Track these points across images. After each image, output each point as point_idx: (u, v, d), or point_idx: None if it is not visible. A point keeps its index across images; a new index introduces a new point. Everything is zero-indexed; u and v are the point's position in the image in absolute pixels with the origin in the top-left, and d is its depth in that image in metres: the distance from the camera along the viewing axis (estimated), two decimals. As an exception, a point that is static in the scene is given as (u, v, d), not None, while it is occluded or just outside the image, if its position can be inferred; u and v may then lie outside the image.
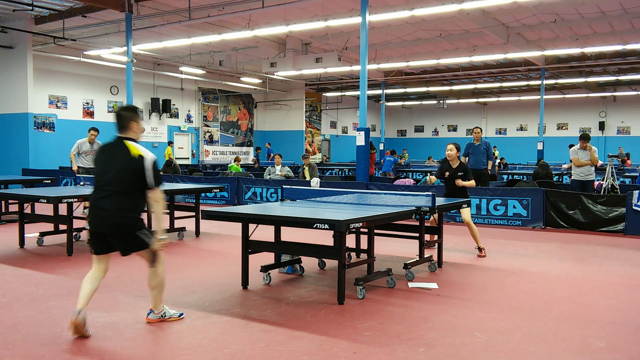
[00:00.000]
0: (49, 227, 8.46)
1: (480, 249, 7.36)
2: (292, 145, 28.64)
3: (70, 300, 5.02)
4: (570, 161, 10.64)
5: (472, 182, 7.53)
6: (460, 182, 7.46)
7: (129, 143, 4.18)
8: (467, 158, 11.45)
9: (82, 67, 20.18)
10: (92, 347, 3.86)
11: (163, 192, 4.26)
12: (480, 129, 11.55)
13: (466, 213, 7.25)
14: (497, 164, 19.07)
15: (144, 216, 4.42)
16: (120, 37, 16.50)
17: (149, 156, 4.16)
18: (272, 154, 24.97)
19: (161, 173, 4.25)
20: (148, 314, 4.44)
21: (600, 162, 10.39)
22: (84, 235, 8.37)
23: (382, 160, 19.22)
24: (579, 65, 22.09)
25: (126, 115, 4.26)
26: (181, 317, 4.51)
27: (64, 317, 4.51)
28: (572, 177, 10.56)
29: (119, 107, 4.38)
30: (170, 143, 22.90)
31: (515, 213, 10.21)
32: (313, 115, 30.57)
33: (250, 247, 5.58)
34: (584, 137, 10.30)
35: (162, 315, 4.42)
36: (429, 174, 8.38)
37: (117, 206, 4.08)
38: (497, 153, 25.77)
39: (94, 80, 21.12)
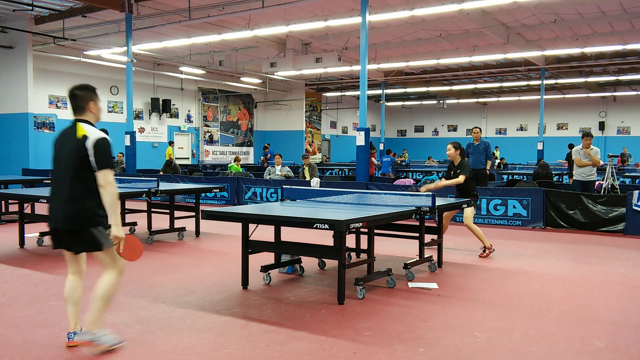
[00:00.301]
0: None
1: (484, 249, 7.29)
2: (292, 145, 28.65)
3: (70, 300, 5.02)
4: (566, 159, 10.63)
5: (454, 180, 7.30)
6: (439, 183, 7.52)
7: (79, 124, 3.70)
8: (466, 158, 11.43)
9: (82, 67, 20.18)
10: (92, 347, 3.86)
11: (112, 176, 3.67)
12: (480, 129, 11.54)
13: (467, 213, 7.21)
14: (496, 164, 19.09)
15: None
16: (120, 37, 16.50)
17: (93, 135, 3.64)
18: (269, 154, 25.00)
19: (113, 157, 3.80)
20: (72, 335, 3.76)
21: (601, 162, 10.39)
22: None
23: (379, 162, 19.20)
24: (579, 65, 22.09)
25: (82, 95, 3.77)
26: (120, 344, 3.81)
27: (64, 317, 4.51)
28: (574, 177, 10.55)
29: (72, 86, 3.84)
30: (170, 143, 22.80)
31: (515, 213, 10.21)
32: (313, 115, 30.57)
33: (250, 247, 5.58)
34: (587, 135, 10.32)
35: (94, 339, 3.68)
36: (425, 184, 8.27)
37: (68, 197, 3.63)
38: (497, 153, 25.79)
39: (94, 80, 21.09)
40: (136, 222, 9.08)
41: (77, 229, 3.66)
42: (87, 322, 3.70)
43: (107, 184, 3.61)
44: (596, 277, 6.20)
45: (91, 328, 3.69)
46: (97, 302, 3.70)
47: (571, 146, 11.53)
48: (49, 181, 3.90)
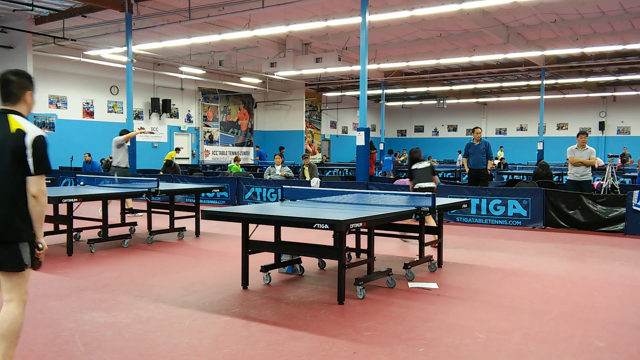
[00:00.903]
0: (49, 227, 8.45)
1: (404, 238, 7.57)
2: (292, 145, 28.65)
3: (70, 300, 5.02)
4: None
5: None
6: None
7: (11, 116, 3.04)
8: (467, 158, 11.44)
9: (82, 67, 20.19)
10: (92, 347, 3.86)
11: (44, 184, 3.09)
12: (481, 129, 11.53)
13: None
14: (496, 164, 19.10)
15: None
16: (120, 37, 16.50)
17: (32, 131, 3.02)
18: (258, 156, 25.04)
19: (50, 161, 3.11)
20: None
21: (601, 162, 10.42)
22: (84, 235, 8.38)
23: (381, 161, 19.22)
24: (579, 65, 22.09)
25: (18, 82, 3.11)
26: None
27: (64, 317, 4.52)
28: (568, 178, 10.56)
29: (6, 70, 3.14)
30: (177, 150, 20.99)
31: (515, 213, 10.21)
32: (313, 115, 30.56)
33: (250, 247, 5.58)
34: (582, 133, 10.37)
35: None
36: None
37: (9, 206, 3.00)
38: (502, 154, 25.76)
39: (94, 80, 21.13)
40: (136, 222, 9.08)
41: (8, 240, 3.01)
42: None
43: (41, 192, 3.02)
44: (596, 277, 6.20)
45: None
46: (4, 342, 2.94)
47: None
48: None
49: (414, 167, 8.48)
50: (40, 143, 3.03)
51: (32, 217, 3.07)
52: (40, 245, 3.18)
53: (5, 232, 3.00)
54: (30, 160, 2.99)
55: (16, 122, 3.03)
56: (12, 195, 3.01)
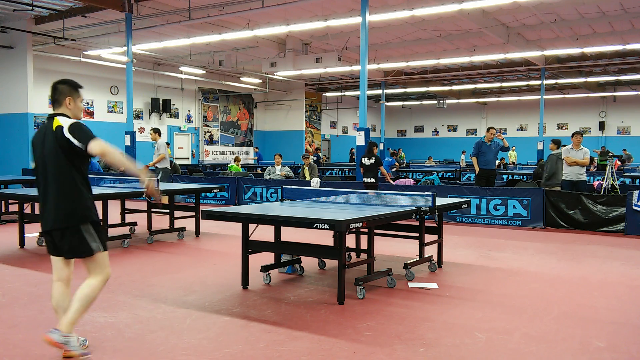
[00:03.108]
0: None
1: None
2: (292, 145, 28.65)
3: (70, 300, 5.02)
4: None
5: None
6: None
7: (56, 118, 3.57)
8: (477, 158, 11.24)
9: (82, 67, 20.18)
10: (92, 347, 3.86)
11: (103, 142, 3.46)
12: (495, 129, 11.39)
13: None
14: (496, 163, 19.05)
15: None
16: (120, 37, 16.50)
17: (67, 122, 3.52)
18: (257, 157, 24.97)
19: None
20: (51, 332, 3.51)
21: (594, 162, 10.46)
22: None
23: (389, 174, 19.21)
24: (579, 65, 22.09)
25: (60, 89, 3.68)
26: (87, 356, 3.59)
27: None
28: (563, 178, 10.55)
29: (55, 81, 3.75)
30: (166, 144, 22.15)
31: (515, 213, 10.21)
32: (313, 115, 30.56)
33: (250, 247, 5.58)
34: (577, 133, 10.42)
35: (65, 342, 3.49)
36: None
37: (57, 194, 3.50)
38: (514, 154, 25.70)
39: (94, 80, 21.12)
40: (136, 222, 9.08)
41: (68, 226, 3.50)
42: (63, 323, 3.52)
43: (103, 149, 3.42)
44: (596, 277, 6.20)
45: (66, 330, 3.50)
46: (77, 304, 3.53)
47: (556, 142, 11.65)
48: (35, 183, 3.77)
49: (362, 160, 10.15)
50: (75, 125, 3.50)
51: (117, 164, 3.55)
52: (148, 185, 3.67)
53: (65, 218, 3.50)
54: (75, 141, 3.44)
55: (57, 120, 3.54)
56: (63, 185, 3.50)
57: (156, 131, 11.77)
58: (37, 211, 9.24)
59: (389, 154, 24.27)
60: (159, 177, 10.23)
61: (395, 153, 24.83)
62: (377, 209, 5.55)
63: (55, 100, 3.67)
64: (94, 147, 3.42)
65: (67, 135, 3.45)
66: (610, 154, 11.57)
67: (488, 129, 11.43)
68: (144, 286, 5.58)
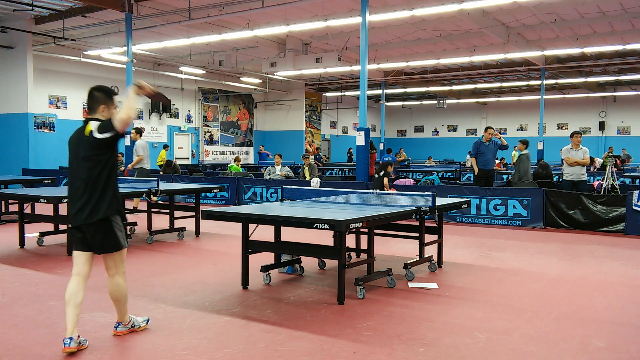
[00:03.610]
0: (49, 227, 8.46)
1: None
2: (292, 145, 28.65)
3: (70, 300, 5.02)
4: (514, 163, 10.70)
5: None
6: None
7: (89, 122, 3.83)
8: (476, 158, 11.19)
9: (82, 67, 20.18)
10: (92, 347, 3.86)
11: (117, 117, 3.72)
12: (493, 129, 11.34)
13: None
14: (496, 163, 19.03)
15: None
16: (120, 37, 16.50)
17: (95, 125, 3.78)
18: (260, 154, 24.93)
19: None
20: (68, 341, 3.69)
21: (598, 161, 10.45)
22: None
23: (380, 162, 19.15)
24: (579, 65, 22.09)
25: (95, 96, 3.92)
26: (148, 323, 4.26)
27: (64, 317, 4.51)
28: (564, 178, 10.54)
29: (91, 87, 4.02)
30: (165, 147, 20.69)
31: (515, 213, 10.21)
32: (313, 115, 30.56)
33: (250, 247, 5.57)
34: (576, 133, 10.42)
35: (132, 327, 4.14)
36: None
37: (88, 192, 3.77)
38: (516, 153, 25.49)
39: (94, 80, 21.08)
40: (136, 222, 9.08)
41: (99, 219, 3.76)
42: (120, 317, 4.08)
43: (121, 119, 3.66)
44: (596, 277, 6.20)
45: (125, 319, 4.08)
46: (118, 303, 4.03)
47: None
48: (67, 182, 4.05)
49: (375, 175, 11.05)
50: (100, 123, 3.77)
51: (129, 110, 3.69)
52: (138, 86, 3.91)
53: (96, 212, 3.76)
54: (106, 135, 3.71)
55: (90, 125, 3.80)
56: (94, 183, 3.77)
57: (138, 131, 11.72)
58: (37, 211, 9.25)
59: (386, 152, 24.24)
60: (134, 177, 10.20)
61: (390, 150, 24.75)
62: (377, 209, 5.55)
63: (90, 107, 3.92)
64: (118, 124, 3.67)
65: (98, 136, 3.73)
66: (609, 155, 11.56)
67: (486, 129, 11.41)
68: (144, 286, 5.58)
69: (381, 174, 11.05)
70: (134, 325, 4.14)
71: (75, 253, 3.89)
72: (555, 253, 7.66)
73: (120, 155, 17.60)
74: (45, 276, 6.00)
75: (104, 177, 3.79)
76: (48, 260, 6.90)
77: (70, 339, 3.68)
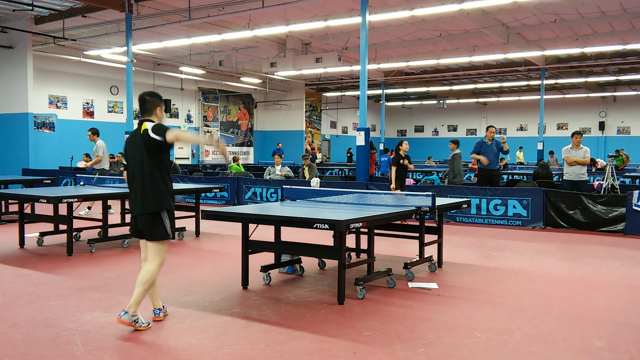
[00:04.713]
0: (49, 227, 8.46)
1: None
2: (292, 145, 28.65)
3: (70, 300, 5.02)
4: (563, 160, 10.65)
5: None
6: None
7: (144, 123, 4.28)
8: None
9: (82, 67, 20.19)
10: (92, 347, 3.86)
11: (173, 131, 4.19)
12: (495, 127, 11.26)
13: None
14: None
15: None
16: (120, 37, 16.50)
17: (151, 125, 4.23)
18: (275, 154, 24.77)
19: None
20: (158, 311, 4.42)
21: (603, 163, 10.43)
22: (85, 235, 8.38)
23: (377, 162, 19.11)
24: (579, 65, 22.10)
25: (151, 101, 4.41)
26: (149, 326, 4.28)
27: (64, 317, 4.52)
28: (564, 178, 10.53)
29: (143, 92, 4.55)
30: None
31: (515, 213, 10.21)
32: (313, 115, 30.57)
33: (250, 247, 5.57)
34: (577, 133, 10.40)
35: (134, 320, 4.19)
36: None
37: (144, 186, 4.21)
38: (521, 154, 25.46)
39: (94, 80, 21.13)
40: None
41: (151, 212, 4.20)
42: (130, 304, 4.17)
43: (176, 135, 4.16)
44: (596, 277, 6.20)
45: (133, 310, 4.18)
46: (139, 287, 4.20)
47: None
48: (125, 179, 4.56)
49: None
50: (156, 125, 4.21)
51: (191, 140, 4.96)
52: (215, 145, 4.43)
53: (150, 205, 4.21)
54: (156, 137, 4.13)
55: (145, 125, 4.25)
56: (149, 178, 4.20)
57: (95, 132, 11.67)
58: (37, 211, 9.25)
59: (384, 151, 24.20)
60: (95, 179, 10.20)
61: (387, 149, 24.67)
62: (377, 209, 5.54)
63: (145, 110, 4.39)
64: (169, 136, 4.13)
65: (152, 134, 4.15)
66: (609, 155, 11.56)
67: (487, 128, 11.36)
68: (144, 286, 5.57)
69: (401, 161, 10.06)
70: (136, 322, 4.21)
71: (141, 242, 4.42)
72: (555, 253, 7.66)
73: (120, 154, 17.61)
74: (45, 276, 6.00)
75: (156, 173, 4.22)
76: (48, 260, 6.90)
77: (159, 309, 4.42)
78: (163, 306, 4.50)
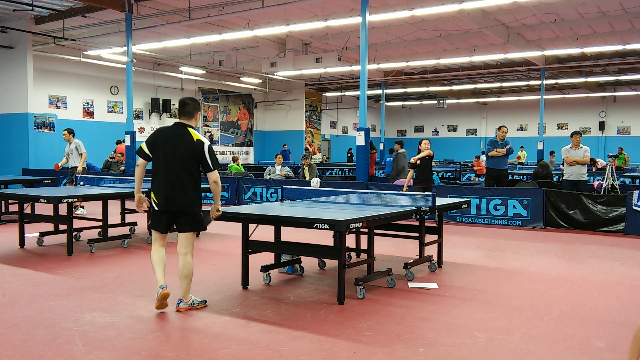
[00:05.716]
0: (49, 227, 8.46)
1: None
2: (292, 145, 28.65)
3: (70, 300, 5.02)
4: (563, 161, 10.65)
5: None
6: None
7: (191, 130, 4.64)
8: (485, 157, 11.14)
9: (82, 67, 20.18)
10: (92, 347, 3.86)
11: (218, 175, 4.68)
12: (507, 127, 11.23)
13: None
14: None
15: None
16: (120, 37, 16.50)
17: (206, 142, 4.62)
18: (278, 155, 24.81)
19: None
20: (165, 286, 4.64)
21: (603, 163, 10.44)
22: (84, 235, 8.38)
23: (383, 163, 19.10)
24: (579, 65, 22.09)
25: (193, 105, 4.74)
26: (205, 303, 4.83)
27: (64, 317, 4.52)
28: (564, 177, 10.53)
29: (184, 97, 4.85)
30: (119, 142, 18.55)
31: (515, 213, 10.21)
32: (313, 115, 30.56)
33: (250, 247, 5.57)
34: (576, 133, 10.42)
35: (191, 304, 4.72)
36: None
37: (186, 186, 4.59)
38: (524, 154, 25.48)
39: (94, 80, 21.12)
40: (136, 222, 9.07)
41: (193, 212, 4.66)
42: (183, 294, 4.70)
43: (218, 180, 4.69)
44: (596, 277, 6.20)
45: (187, 297, 4.69)
46: (185, 280, 4.69)
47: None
48: (156, 171, 4.70)
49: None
50: (212, 149, 4.67)
51: (214, 195, 4.79)
52: (218, 211, 4.90)
53: (191, 206, 4.66)
54: (209, 161, 4.62)
55: (195, 134, 4.65)
56: (191, 181, 4.63)
57: (70, 132, 11.68)
58: (37, 211, 9.25)
59: (388, 152, 24.22)
60: (74, 176, 10.14)
61: (392, 150, 24.68)
62: (377, 209, 5.55)
63: (187, 112, 4.72)
64: (214, 175, 4.65)
65: (206, 153, 4.59)
66: (609, 155, 11.56)
67: (500, 127, 11.33)
68: (144, 286, 5.58)
69: (418, 162, 9.75)
70: (193, 303, 4.70)
71: (154, 232, 4.80)
72: (555, 253, 7.66)
73: (120, 155, 17.61)
74: (45, 276, 6.00)
75: (198, 177, 4.68)
76: (48, 260, 6.90)
77: (165, 286, 4.66)
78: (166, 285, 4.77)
